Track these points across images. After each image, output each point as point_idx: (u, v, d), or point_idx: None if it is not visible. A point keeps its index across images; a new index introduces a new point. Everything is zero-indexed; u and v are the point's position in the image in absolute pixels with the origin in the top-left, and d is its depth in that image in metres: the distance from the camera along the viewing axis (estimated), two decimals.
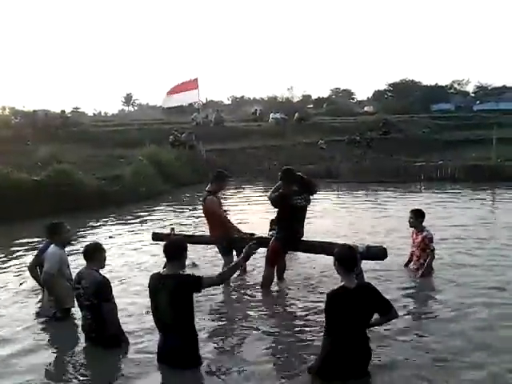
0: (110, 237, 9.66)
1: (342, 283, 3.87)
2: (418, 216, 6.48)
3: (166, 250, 4.16)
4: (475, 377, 3.97)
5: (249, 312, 5.54)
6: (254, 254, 4.96)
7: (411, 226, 6.58)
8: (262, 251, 6.44)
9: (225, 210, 6.30)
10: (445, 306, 5.50)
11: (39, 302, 5.91)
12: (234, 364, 4.28)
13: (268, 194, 6.10)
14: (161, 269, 4.30)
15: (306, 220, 6.13)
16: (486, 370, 4.07)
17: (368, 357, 3.89)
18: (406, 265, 6.76)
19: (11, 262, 7.90)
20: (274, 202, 5.93)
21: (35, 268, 6.03)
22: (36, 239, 8.76)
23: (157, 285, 4.10)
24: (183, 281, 4.04)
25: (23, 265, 7.37)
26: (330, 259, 4.64)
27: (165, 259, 4.20)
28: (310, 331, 4.91)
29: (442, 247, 7.40)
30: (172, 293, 3.98)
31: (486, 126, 23.07)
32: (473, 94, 58.91)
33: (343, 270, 3.86)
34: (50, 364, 4.46)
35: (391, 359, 4.28)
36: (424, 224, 6.54)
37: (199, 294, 5.75)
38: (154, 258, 7.43)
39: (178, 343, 4.06)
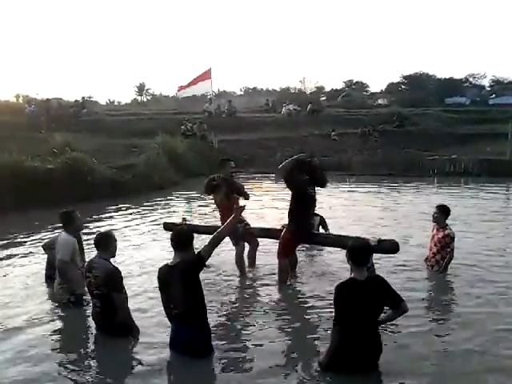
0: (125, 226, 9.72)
1: (352, 275, 3.87)
2: (443, 212, 6.34)
3: (173, 240, 4.18)
4: None
5: (262, 305, 5.50)
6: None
7: (435, 221, 6.45)
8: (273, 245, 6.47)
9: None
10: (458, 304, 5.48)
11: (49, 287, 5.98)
12: (245, 356, 4.28)
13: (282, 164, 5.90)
14: (168, 260, 4.31)
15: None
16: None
17: (378, 351, 3.86)
18: (426, 259, 6.60)
19: (25, 249, 7.97)
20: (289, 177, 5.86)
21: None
22: (49, 227, 8.84)
23: (166, 276, 4.13)
24: (188, 264, 4.07)
25: (36, 251, 7.49)
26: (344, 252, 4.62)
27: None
28: (322, 324, 4.87)
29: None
30: (181, 279, 4.01)
31: (502, 121, 22.70)
32: (488, 88, 58.06)
33: (354, 263, 3.85)
34: (60, 351, 4.48)
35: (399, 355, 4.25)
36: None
37: (212, 289, 5.77)
38: (165, 248, 7.46)
39: (190, 333, 4.08)
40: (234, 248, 6.61)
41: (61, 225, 5.77)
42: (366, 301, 3.72)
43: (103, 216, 10.92)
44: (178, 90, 22.64)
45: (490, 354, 4.22)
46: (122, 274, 4.66)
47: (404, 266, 6.60)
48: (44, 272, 6.27)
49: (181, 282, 4.01)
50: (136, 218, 10.67)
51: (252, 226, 6.69)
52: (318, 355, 4.11)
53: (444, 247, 6.24)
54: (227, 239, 6.72)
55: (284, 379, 3.87)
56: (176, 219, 8.17)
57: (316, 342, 4.55)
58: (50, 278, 5.94)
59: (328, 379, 3.84)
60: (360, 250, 3.89)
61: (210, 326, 4.28)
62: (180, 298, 4.03)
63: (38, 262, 6.97)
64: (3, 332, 4.81)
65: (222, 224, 6.54)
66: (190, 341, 4.09)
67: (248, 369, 4.05)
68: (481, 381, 3.86)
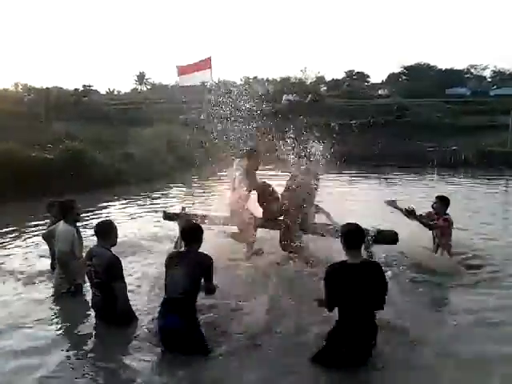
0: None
1: (345, 259, 3.82)
2: (443, 202, 6.34)
3: (184, 234, 4.24)
4: None
5: (260, 294, 5.34)
6: None
7: (435, 213, 6.44)
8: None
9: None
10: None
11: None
12: (242, 350, 4.16)
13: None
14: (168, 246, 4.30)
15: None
16: None
17: (371, 344, 3.76)
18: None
19: (23, 239, 7.97)
20: None
21: None
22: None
23: (175, 258, 4.18)
24: (204, 258, 4.12)
25: (34, 241, 7.51)
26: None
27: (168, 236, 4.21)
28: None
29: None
30: (190, 264, 4.03)
31: (503, 112, 22.62)
32: (489, 79, 57.87)
33: (347, 246, 3.80)
34: (59, 339, 4.49)
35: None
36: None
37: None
38: (164, 237, 7.47)
39: (179, 324, 3.99)
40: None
41: (48, 214, 5.80)
42: (357, 284, 3.64)
43: (102, 205, 10.90)
44: (179, 74, 22.35)
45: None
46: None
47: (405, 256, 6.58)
48: (44, 261, 6.27)
49: (187, 266, 4.02)
50: (135, 207, 10.66)
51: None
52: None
53: (444, 234, 6.24)
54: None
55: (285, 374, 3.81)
56: (176, 208, 8.14)
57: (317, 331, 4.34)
58: (52, 268, 5.93)
59: (325, 372, 3.75)
60: (351, 232, 3.83)
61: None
62: (181, 281, 3.99)
63: (35, 252, 7.00)
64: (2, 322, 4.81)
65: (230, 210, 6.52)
66: (176, 331, 4.02)
67: (246, 363, 3.96)
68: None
